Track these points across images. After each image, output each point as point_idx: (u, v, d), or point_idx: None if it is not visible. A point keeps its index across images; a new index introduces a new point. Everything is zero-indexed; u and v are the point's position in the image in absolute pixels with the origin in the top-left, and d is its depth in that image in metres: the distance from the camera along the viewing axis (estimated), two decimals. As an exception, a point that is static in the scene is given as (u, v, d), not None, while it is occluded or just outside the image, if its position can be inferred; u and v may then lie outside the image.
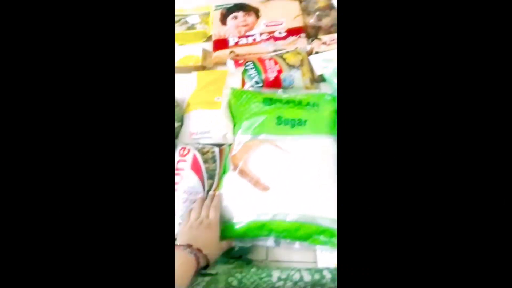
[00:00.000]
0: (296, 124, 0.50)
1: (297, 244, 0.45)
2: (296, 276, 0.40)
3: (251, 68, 0.60)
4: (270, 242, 0.46)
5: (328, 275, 0.40)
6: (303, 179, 0.46)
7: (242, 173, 0.48)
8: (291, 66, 0.60)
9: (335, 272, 0.41)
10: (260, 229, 0.45)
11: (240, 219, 0.45)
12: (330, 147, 0.49)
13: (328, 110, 0.53)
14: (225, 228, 0.45)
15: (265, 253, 0.47)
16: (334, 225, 0.44)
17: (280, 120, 0.50)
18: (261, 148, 0.49)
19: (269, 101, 0.52)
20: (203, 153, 0.52)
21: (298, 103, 0.52)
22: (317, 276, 0.40)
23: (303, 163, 0.47)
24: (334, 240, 0.44)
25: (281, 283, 0.39)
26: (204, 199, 0.47)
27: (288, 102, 0.52)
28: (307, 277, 0.40)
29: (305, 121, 0.50)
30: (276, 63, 0.60)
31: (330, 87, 0.60)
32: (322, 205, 0.45)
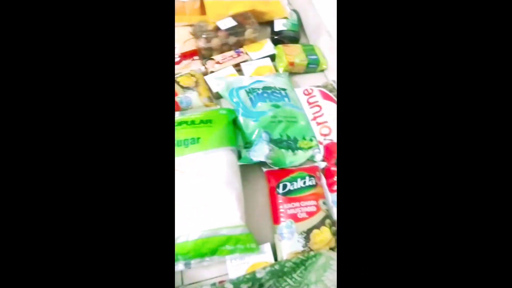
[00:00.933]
0: (190, 143, 0.51)
1: (206, 261, 0.45)
2: None
3: (146, 96, 0.60)
4: (180, 266, 0.45)
5: (228, 286, 0.41)
6: (200, 195, 0.47)
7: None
8: (186, 88, 0.62)
9: (237, 282, 0.42)
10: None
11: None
12: (225, 158, 0.51)
13: (223, 123, 0.55)
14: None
15: (180, 278, 0.46)
16: (236, 231, 0.45)
17: (177, 142, 0.51)
18: (158, 173, 0.49)
19: (162, 125, 0.53)
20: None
21: (191, 123, 0.54)
22: None
23: (199, 180, 0.48)
24: (240, 245, 0.45)
25: None
26: None
27: (180, 123, 0.53)
28: None
29: (198, 138, 0.51)
30: (170, 87, 0.61)
31: (227, 102, 0.63)
32: (222, 216, 0.46)
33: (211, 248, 0.44)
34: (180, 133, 0.52)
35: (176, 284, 0.45)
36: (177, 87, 0.62)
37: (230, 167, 0.50)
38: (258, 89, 0.62)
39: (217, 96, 0.65)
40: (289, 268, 0.43)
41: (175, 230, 0.44)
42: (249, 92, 0.61)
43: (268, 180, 0.54)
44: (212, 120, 0.55)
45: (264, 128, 0.56)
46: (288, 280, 0.43)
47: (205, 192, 0.47)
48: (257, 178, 0.55)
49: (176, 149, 0.50)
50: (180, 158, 0.50)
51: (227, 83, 0.63)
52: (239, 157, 0.54)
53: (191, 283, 0.46)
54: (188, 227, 0.44)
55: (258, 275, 0.43)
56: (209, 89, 0.65)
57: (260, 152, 0.54)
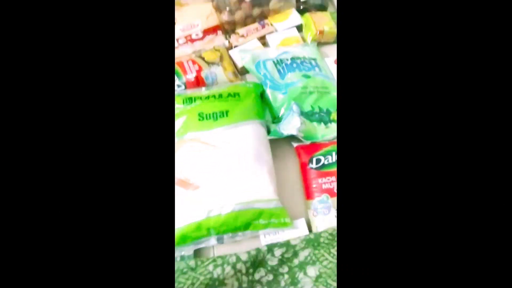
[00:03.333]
0: (218, 116, 0.49)
1: (239, 236, 0.44)
2: (232, 259, 0.39)
3: (171, 73, 0.59)
4: (212, 241, 0.44)
5: (263, 248, 0.39)
6: (232, 168, 0.45)
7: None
8: (211, 63, 0.60)
9: (271, 246, 0.40)
10: (197, 230, 0.43)
11: (175, 225, 0.43)
12: (255, 131, 0.49)
13: (250, 97, 0.53)
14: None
15: (212, 252, 0.45)
16: (270, 205, 0.44)
17: (201, 116, 0.49)
18: (186, 147, 0.48)
19: (189, 100, 0.52)
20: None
21: (219, 96, 0.52)
22: (253, 252, 0.39)
23: (229, 153, 0.46)
24: (274, 220, 0.44)
25: (219, 270, 0.38)
26: None
27: (208, 97, 0.52)
28: (243, 257, 0.39)
29: (227, 111, 0.50)
30: (194, 63, 0.60)
31: (253, 76, 0.60)
32: (254, 189, 0.44)
33: (244, 222, 0.43)
34: (207, 107, 0.50)
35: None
36: (202, 63, 0.60)
37: (260, 140, 0.48)
38: (286, 59, 0.58)
39: (242, 71, 0.63)
40: (325, 239, 0.41)
41: (205, 204, 0.43)
42: (277, 63, 0.58)
43: (299, 155, 0.51)
44: (239, 93, 0.53)
45: (294, 100, 0.53)
46: (326, 255, 0.41)
47: (236, 165, 0.45)
48: (286, 153, 0.52)
49: (204, 122, 0.49)
50: (209, 132, 0.48)
51: (253, 56, 0.60)
52: (268, 131, 0.52)
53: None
54: (220, 200, 0.43)
55: (293, 242, 0.41)
56: (234, 64, 0.63)
57: (291, 125, 0.51)
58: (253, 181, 0.44)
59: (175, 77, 0.59)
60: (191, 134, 0.48)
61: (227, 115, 0.49)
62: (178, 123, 0.50)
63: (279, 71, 0.57)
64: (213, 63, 0.60)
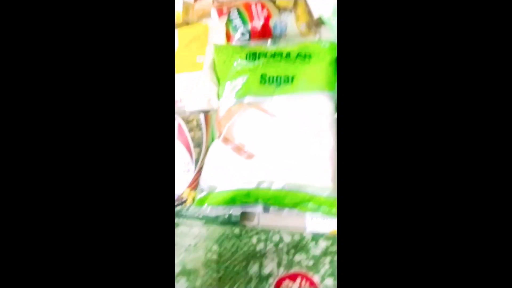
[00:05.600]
0: (282, 81, 0.43)
1: (286, 211, 0.43)
2: (276, 238, 0.39)
3: (236, 18, 0.52)
4: (259, 208, 0.44)
5: (308, 236, 0.38)
6: (290, 144, 0.41)
7: (226, 140, 0.45)
8: (282, 9, 0.51)
9: (315, 234, 0.39)
10: (246, 197, 0.43)
11: (225, 188, 0.44)
12: (321, 105, 0.42)
13: (324, 61, 0.44)
14: (210, 196, 0.44)
15: (257, 219, 0.46)
16: (323, 193, 0.41)
17: (263, 79, 0.44)
18: (245, 112, 0.44)
19: (253, 56, 0.46)
20: (187, 122, 0.49)
21: (286, 56, 0.45)
22: (296, 237, 0.39)
23: (289, 126, 0.42)
24: (325, 207, 0.41)
25: (261, 244, 0.39)
26: None
27: (274, 55, 0.45)
28: (286, 238, 0.39)
29: (292, 77, 0.43)
30: (263, 7, 0.51)
31: (331, 31, 0.50)
32: (311, 172, 0.41)
33: (292, 202, 0.42)
34: (272, 68, 0.44)
35: (251, 224, 0.46)
36: (272, 8, 0.51)
37: (326, 117, 0.42)
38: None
39: (318, 23, 0.52)
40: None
41: (256, 175, 0.42)
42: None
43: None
44: (311, 55, 0.44)
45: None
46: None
47: (294, 141, 0.41)
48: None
49: (266, 87, 0.44)
50: (270, 99, 0.43)
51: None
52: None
53: (266, 226, 0.45)
54: (272, 174, 0.41)
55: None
56: (309, 13, 0.52)
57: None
58: (310, 163, 0.41)
59: (240, 22, 0.52)
60: (250, 98, 0.44)
61: (291, 81, 0.43)
62: (238, 82, 0.45)
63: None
64: (284, 9, 0.51)
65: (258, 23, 0.51)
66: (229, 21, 0.53)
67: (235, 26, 0.52)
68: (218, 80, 0.50)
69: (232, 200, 0.43)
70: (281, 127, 0.42)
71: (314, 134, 0.41)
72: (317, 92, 0.43)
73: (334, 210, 0.41)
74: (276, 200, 0.42)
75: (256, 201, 0.43)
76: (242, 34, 0.52)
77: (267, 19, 0.50)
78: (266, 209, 0.44)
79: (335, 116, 0.43)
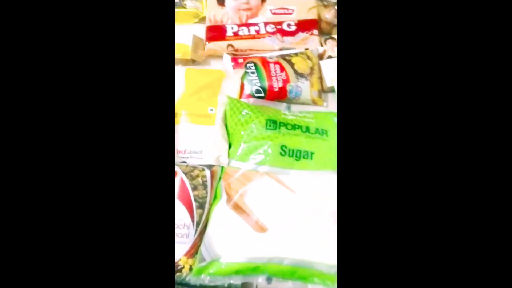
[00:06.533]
0: (302, 156, 0.44)
1: (290, 283, 0.43)
2: None
3: (252, 72, 0.50)
4: (261, 279, 0.43)
5: None
6: (306, 222, 0.42)
7: (237, 208, 0.43)
8: (299, 74, 0.51)
9: None
10: (254, 270, 0.42)
11: (231, 259, 0.41)
12: (334, 183, 0.44)
13: (336, 136, 0.47)
14: (212, 266, 0.41)
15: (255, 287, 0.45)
16: (331, 271, 0.42)
17: (284, 150, 0.44)
18: (262, 182, 0.43)
19: (273, 124, 0.45)
20: (192, 178, 0.45)
21: (306, 130, 0.45)
22: None
23: (305, 203, 0.43)
24: (330, 283, 0.43)
25: None
26: None
27: (294, 127, 0.45)
28: None
29: (312, 153, 0.44)
30: (282, 69, 0.51)
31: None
32: (323, 250, 0.42)
33: (301, 277, 0.42)
34: (292, 140, 0.44)
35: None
36: (290, 71, 0.51)
37: (335, 195, 0.44)
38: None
39: (329, 90, 0.54)
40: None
41: (268, 250, 0.41)
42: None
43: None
44: (327, 131, 0.46)
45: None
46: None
47: (310, 220, 0.42)
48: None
49: (285, 159, 0.44)
50: (288, 172, 0.43)
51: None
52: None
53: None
54: (285, 251, 0.41)
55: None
56: (321, 80, 0.54)
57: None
58: (323, 241, 0.42)
59: (256, 78, 0.50)
60: (268, 168, 0.43)
61: (311, 158, 0.44)
62: (256, 148, 0.44)
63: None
64: (302, 75, 0.52)
65: (277, 84, 0.50)
66: (245, 73, 0.51)
67: (251, 80, 0.51)
68: (229, 136, 0.48)
69: (236, 272, 0.42)
70: (298, 204, 0.42)
71: (329, 214, 0.43)
72: (333, 170, 0.44)
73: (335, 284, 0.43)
74: (283, 274, 0.42)
75: (261, 273, 0.42)
76: (257, 90, 0.50)
77: (285, 82, 0.50)
78: (269, 280, 0.44)
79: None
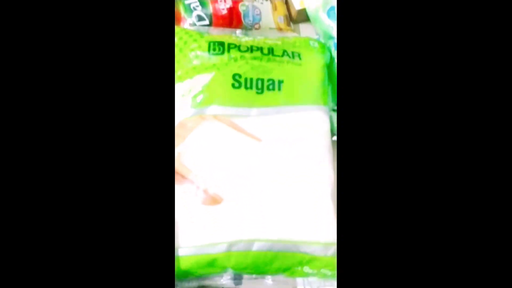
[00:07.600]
0: (267, 87, 0.30)
1: (267, 279, 0.29)
2: None
3: (191, -6, 0.37)
4: (225, 279, 0.29)
5: None
6: (277, 180, 0.28)
7: (176, 174, 0.28)
8: (255, -7, 0.38)
9: None
10: (209, 266, 0.27)
11: (177, 252, 0.27)
12: (321, 125, 0.30)
13: (317, 65, 0.33)
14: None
15: (220, 293, 0.30)
16: (327, 252, 0.28)
17: (238, 81, 0.29)
18: (208, 130, 0.28)
19: (220, 48, 0.31)
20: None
21: (269, 52, 0.31)
22: None
23: (279, 155, 0.28)
24: (327, 271, 0.29)
25: None
26: None
27: (251, 49, 0.31)
28: None
29: (281, 81, 0.30)
30: (230, -15, 0.37)
31: (314, 30, 0.40)
32: (308, 223, 0.28)
33: (283, 267, 0.28)
34: (249, 66, 0.30)
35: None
36: (243, -12, 0.38)
37: (325, 141, 0.30)
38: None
39: (298, 19, 0.41)
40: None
41: (228, 231, 0.27)
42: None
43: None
44: (300, 54, 0.33)
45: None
46: None
47: (285, 177, 0.28)
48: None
49: (241, 92, 0.29)
50: (247, 111, 0.29)
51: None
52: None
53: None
54: (253, 230, 0.27)
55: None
56: (289, 5, 0.41)
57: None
58: (309, 209, 0.28)
59: (198, 4, 0.37)
60: (216, 108, 0.29)
61: (279, 88, 0.30)
62: (197, 82, 0.30)
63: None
64: (258, -6, 0.38)
65: (224, 6, 0.36)
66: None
67: (189, 5, 0.37)
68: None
69: (184, 274, 0.27)
70: (266, 157, 0.28)
71: (316, 167, 0.29)
72: (314, 105, 0.30)
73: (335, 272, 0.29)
74: (257, 267, 0.28)
75: (223, 270, 0.28)
76: (199, 17, 0.37)
77: (235, 2, 0.37)
78: (237, 281, 0.29)
79: (334, 138, 0.32)
